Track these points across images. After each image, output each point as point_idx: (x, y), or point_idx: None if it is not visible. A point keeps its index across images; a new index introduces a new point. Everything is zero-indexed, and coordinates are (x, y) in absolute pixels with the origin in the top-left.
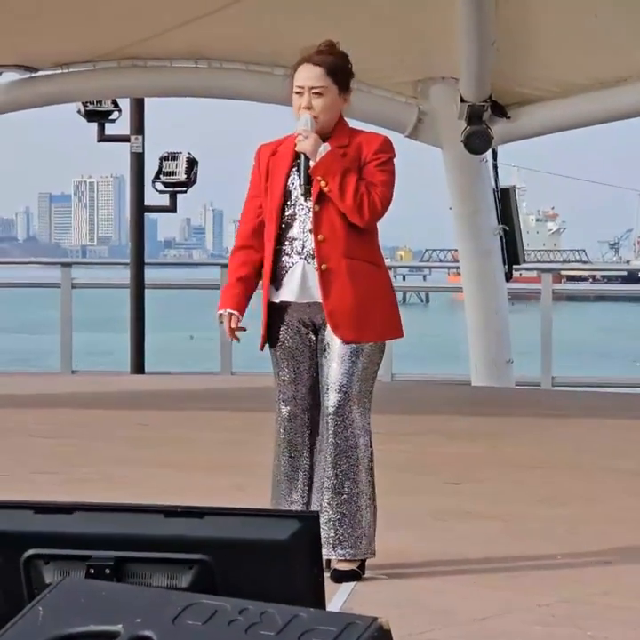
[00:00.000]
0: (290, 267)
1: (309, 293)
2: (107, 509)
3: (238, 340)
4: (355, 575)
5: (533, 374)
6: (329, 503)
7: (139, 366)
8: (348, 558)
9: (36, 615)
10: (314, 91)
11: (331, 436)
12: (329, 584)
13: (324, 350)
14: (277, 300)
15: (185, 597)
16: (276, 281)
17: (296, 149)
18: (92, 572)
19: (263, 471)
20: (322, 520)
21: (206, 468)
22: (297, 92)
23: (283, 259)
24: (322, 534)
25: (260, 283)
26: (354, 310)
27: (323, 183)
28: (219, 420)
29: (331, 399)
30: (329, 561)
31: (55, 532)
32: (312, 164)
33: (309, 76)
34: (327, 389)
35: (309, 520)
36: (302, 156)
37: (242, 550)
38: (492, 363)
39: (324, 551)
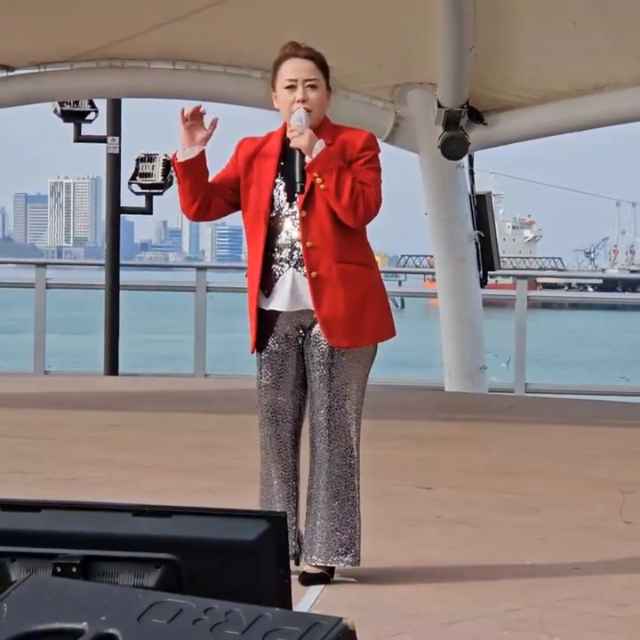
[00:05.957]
0: (280, 275)
1: (300, 301)
2: (74, 508)
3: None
4: (323, 578)
5: (507, 381)
6: (329, 512)
7: (112, 367)
8: (355, 566)
9: (1, 612)
10: (308, 83)
11: (325, 440)
12: (297, 587)
13: (312, 355)
14: (267, 308)
15: (151, 596)
16: (266, 288)
17: (291, 145)
18: (59, 570)
19: (234, 474)
20: (318, 526)
21: (177, 470)
22: (289, 86)
23: (272, 266)
24: (324, 543)
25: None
26: (347, 317)
27: (319, 180)
28: (191, 422)
29: (324, 404)
30: (333, 568)
31: (22, 530)
32: (308, 160)
33: (301, 68)
34: (319, 394)
35: (277, 520)
36: (297, 153)
37: (209, 550)
38: (466, 368)
39: (332, 559)
